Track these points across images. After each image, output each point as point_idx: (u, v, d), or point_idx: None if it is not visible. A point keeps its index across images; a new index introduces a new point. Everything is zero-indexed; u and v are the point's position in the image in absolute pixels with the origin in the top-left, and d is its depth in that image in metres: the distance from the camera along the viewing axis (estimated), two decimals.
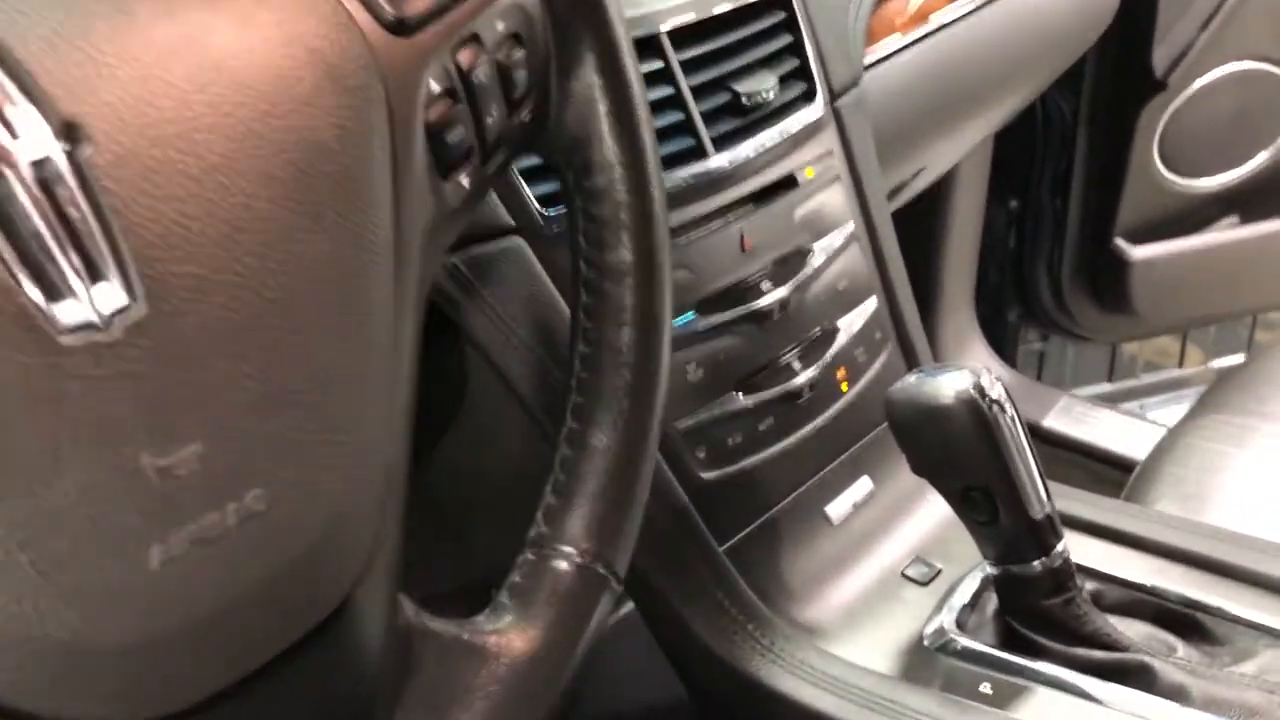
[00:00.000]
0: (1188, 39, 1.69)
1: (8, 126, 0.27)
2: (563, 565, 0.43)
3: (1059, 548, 0.70)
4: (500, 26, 0.41)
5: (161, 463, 0.29)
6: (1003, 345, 1.99)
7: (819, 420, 0.81)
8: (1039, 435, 1.76)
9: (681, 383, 0.73)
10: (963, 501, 0.70)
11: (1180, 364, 2.15)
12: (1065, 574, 0.70)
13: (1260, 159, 1.84)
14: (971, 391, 0.67)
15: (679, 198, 0.74)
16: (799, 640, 0.72)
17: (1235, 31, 1.70)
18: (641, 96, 0.47)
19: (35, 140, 0.28)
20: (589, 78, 0.45)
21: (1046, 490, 0.70)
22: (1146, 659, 0.68)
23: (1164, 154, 1.79)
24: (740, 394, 0.76)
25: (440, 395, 0.71)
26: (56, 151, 0.28)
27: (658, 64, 0.75)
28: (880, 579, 0.79)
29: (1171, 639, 0.72)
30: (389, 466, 0.36)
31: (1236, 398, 1.14)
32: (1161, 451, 1.08)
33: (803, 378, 0.79)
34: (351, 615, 0.34)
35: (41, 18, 0.29)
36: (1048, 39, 1.33)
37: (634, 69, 0.47)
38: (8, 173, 0.27)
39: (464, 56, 0.39)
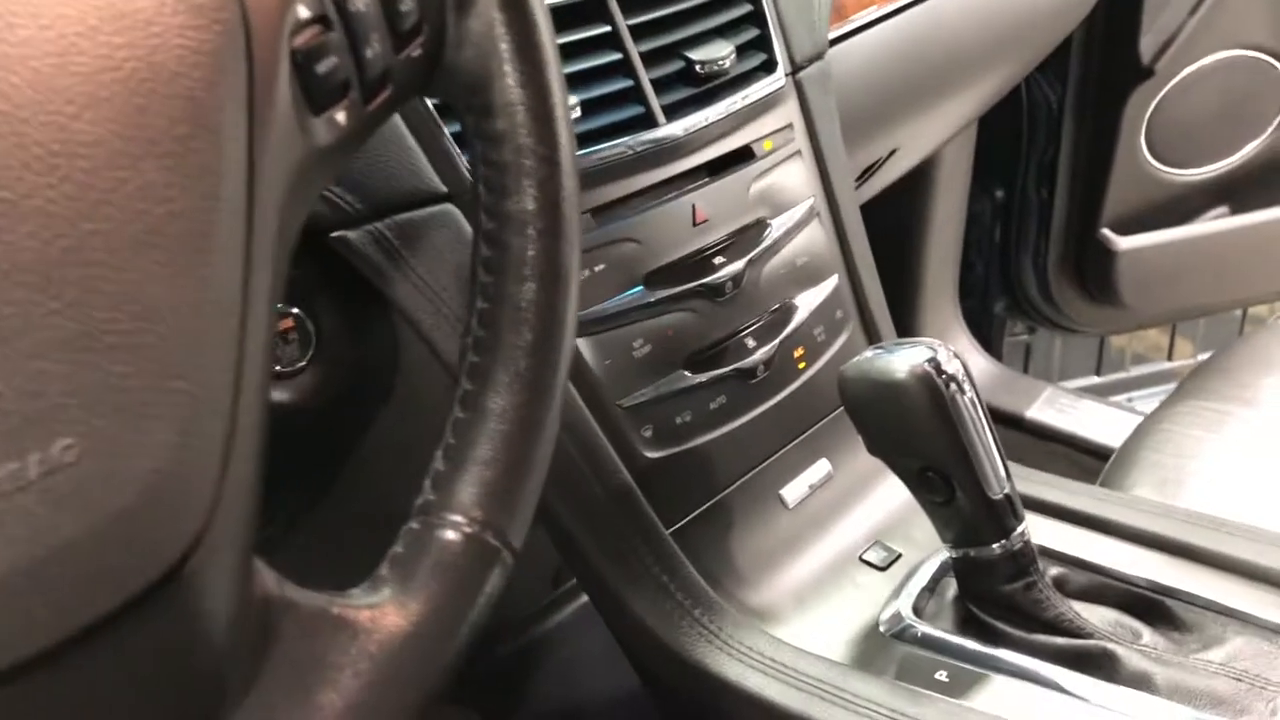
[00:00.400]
0: (1176, 25, 1.66)
1: None
2: (449, 535, 0.40)
3: (1019, 530, 0.67)
4: None
5: None
6: (989, 337, 1.96)
7: (774, 400, 0.78)
8: (1022, 426, 1.74)
9: (627, 359, 0.70)
10: (919, 482, 0.68)
11: (1169, 357, 2.12)
12: (1026, 557, 0.67)
13: (1250, 148, 1.81)
14: (927, 367, 0.64)
15: (627, 167, 0.72)
16: (747, 626, 0.69)
17: (1225, 18, 1.67)
18: (548, 35, 0.44)
19: None
20: (489, 13, 0.42)
21: (1006, 470, 0.67)
22: (1110, 646, 0.65)
23: (1151, 143, 1.76)
24: (689, 371, 0.73)
25: (373, 367, 0.68)
26: None
27: (604, 28, 0.72)
28: (836, 563, 0.76)
29: (1138, 625, 0.69)
30: (235, 425, 0.32)
31: (1215, 383, 1.11)
32: (1139, 437, 1.05)
33: (757, 355, 0.76)
34: (186, 583, 0.31)
35: None
36: (1027, 18, 1.30)
37: (540, 6, 0.44)
38: None
39: None
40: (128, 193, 0.29)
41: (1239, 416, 1.05)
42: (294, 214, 0.36)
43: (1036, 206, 1.85)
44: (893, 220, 1.73)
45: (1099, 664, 0.65)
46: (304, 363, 0.62)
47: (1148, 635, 0.68)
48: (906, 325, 1.79)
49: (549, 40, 0.44)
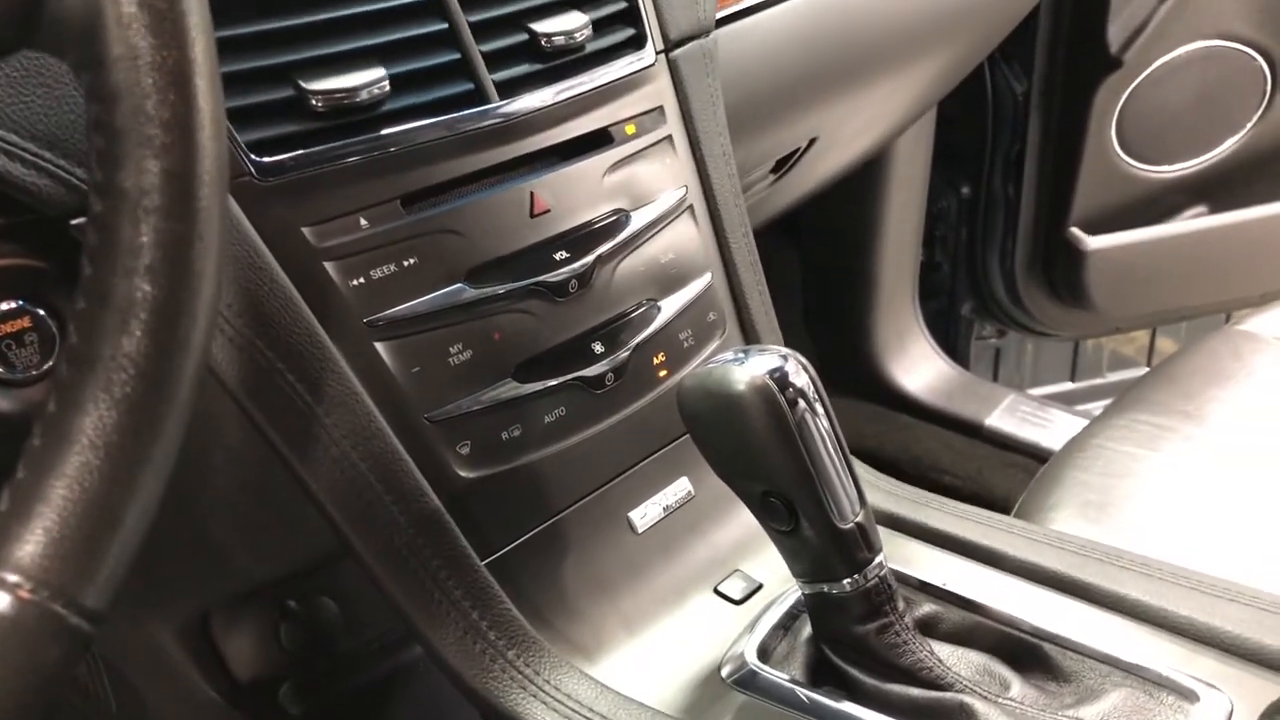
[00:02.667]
0: (1145, 13, 1.57)
1: None
2: None
3: (873, 563, 0.59)
4: None
5: None
6: (954, 343, 1.88)
7: (626, 411, 0.70)
8: (981, 434, 1.65)
9: (441, 366, 0.62)
10: (761, 508, 0.60)
11: (1149, 362, 2.03)
12: (880, 596, 0.59)
13: (1229, 144, 1.72)
14: (768, 380, 0.56)
15: (445, 149, 0.64)
16: (567, 670, 0.61)
17: (1198, 6, 1.58)
18: None
19: None
20: None
21: (860, 496, 0.59)
22: (969, 700, 0.57)
23: (1122, 138, 1.67)
24: (519, 381, 0.65)
25: None
26: None
27: None
28: (686, 595, 0.68)
29: (1008, 674, 0.61)
30: None
31: (1159, 394, 1.03)
32: (1068, 453, 0.97)
33: (604, 364, 0.68)
34: None
35: None
36: (959, 4, 1.21)
37: None
38: None
39: None
40: None
41: (1180, 433, 0.96)
42: None
43: (1003, 204, 1.76)
44: (846, 217, 1.65)
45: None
46: (40, 370, 0.54)
47: (1017, 686, 0.60)
48: (861, 327, 1.71)
49: None
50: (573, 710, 0.59)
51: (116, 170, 0.34)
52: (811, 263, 1.74)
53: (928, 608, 0.65)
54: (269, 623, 0.81)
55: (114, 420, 0.34)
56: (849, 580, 0.59)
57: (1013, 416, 1.65)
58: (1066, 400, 1.95)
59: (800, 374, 0.57)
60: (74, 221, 0.53)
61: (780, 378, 0.56)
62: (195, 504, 0.65)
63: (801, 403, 0.56)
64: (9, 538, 0.33)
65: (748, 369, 0.57)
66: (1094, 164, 1.68)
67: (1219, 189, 1.77)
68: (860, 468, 0.79)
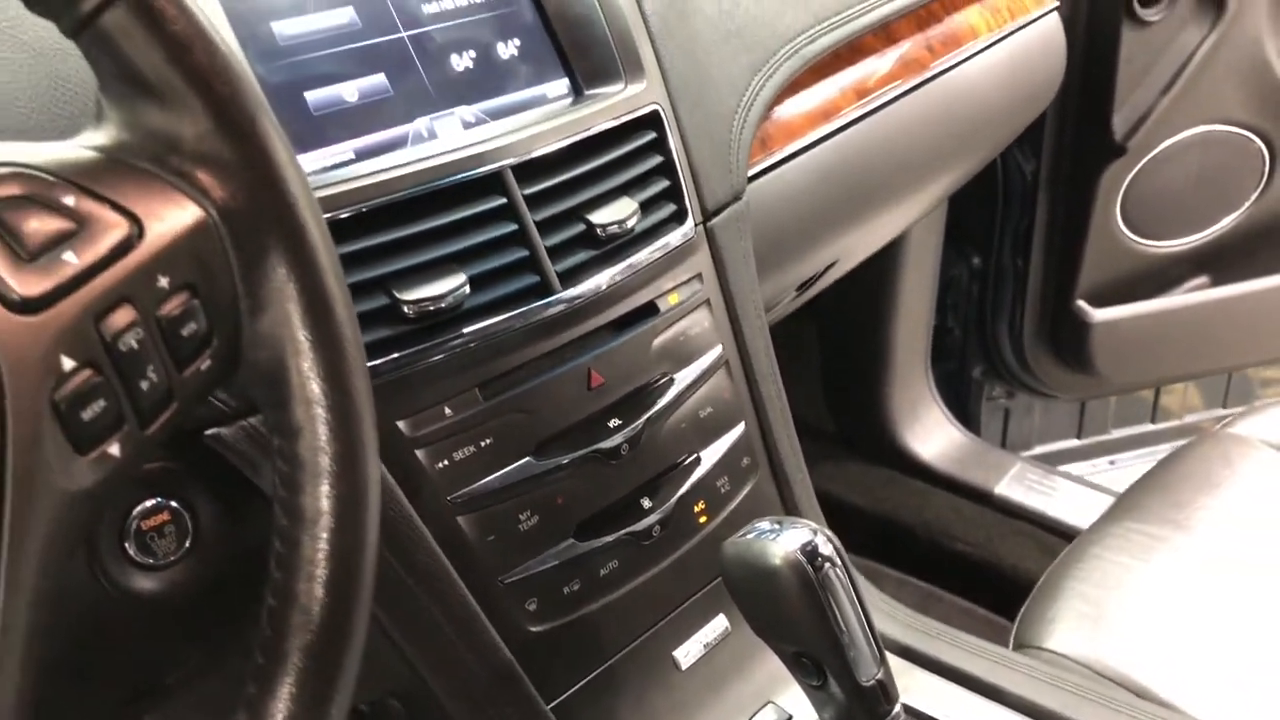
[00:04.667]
0: (1148, 104, 1.66)
1: None
2: None
3: (892, 713, 0.68)
4: (164, 281, 0.39)
5: None
6: (965, 403, 1.97)
7: (670, 559, 0.79)
8: (991, 502, 1.74)
9: (513, 533, 0.71)
10: (794, 665, 0.68)
11: (1152, 419, 2.11)
12: None
13: (1228, 220, 1.80)
14: (799, 555, 0.64)
15: (518, 341, 0.73)
16: None
17: (1198, 95, 1.67)
18: (349, 325, 0.45)
19: None
20: (284, 307, 0.43)
21: (881, 655, 0.67)
22: None
23: (1126, 216, 1.76)
24: (579, 540, 0.74)
25: (255, 551, 0.69)
26: None
27: (499, 200, 0.72)
28: None
29: None
30: None
31: (1152, 500, 1.12)
32: (1069, 561, 1.05)
33: (652, 517, 0.77)
34: None
35: None
36: (985, 115, 1.30)
37: (339, 296, 0.45)
38: None
39: (114, 321, 0.38)
40: None
41: (1170, 543, 1.05)
42: (59, 551, 0.37)
43: (1012, 275, 1.85)
44: (861, 294, 1.73)
45: None
46: (179, 555, 0.63)
47: None
48: (877, 396, 1.80)
49: (350, 331, 0.45)
50: None
51: (298, 494, 0.43)
52: (829, 336, 1.82)
53: None
54: None
55: (294, 706, 0.43)
56: None
57: (1020, 484, 1.73)
58: (1075, 455, 2.04)
59: (827, 545, 0.66)
60: (208, 432, 0.62)
61: (810, 551, 0.65)
62: None
63: (829, 572, 0.65)
64: None
65: (782, 544, 0.65)
66: (1099, 240, 1.77)
67: (1218, 263, 1.85)
68: (876, 595, 0.88)
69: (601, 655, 0.75)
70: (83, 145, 0.41)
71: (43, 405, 0.35)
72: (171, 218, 0.40)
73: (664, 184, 0.82)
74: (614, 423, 0.76)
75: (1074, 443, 2.06)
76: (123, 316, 0.38)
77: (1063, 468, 1.92)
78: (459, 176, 0.70)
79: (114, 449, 0.38)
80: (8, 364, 0.34)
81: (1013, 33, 1.29)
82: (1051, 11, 1.37)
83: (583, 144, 0.77)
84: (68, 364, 0.36)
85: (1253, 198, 1.80)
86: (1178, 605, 0.98)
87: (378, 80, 0.73)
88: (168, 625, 0.57)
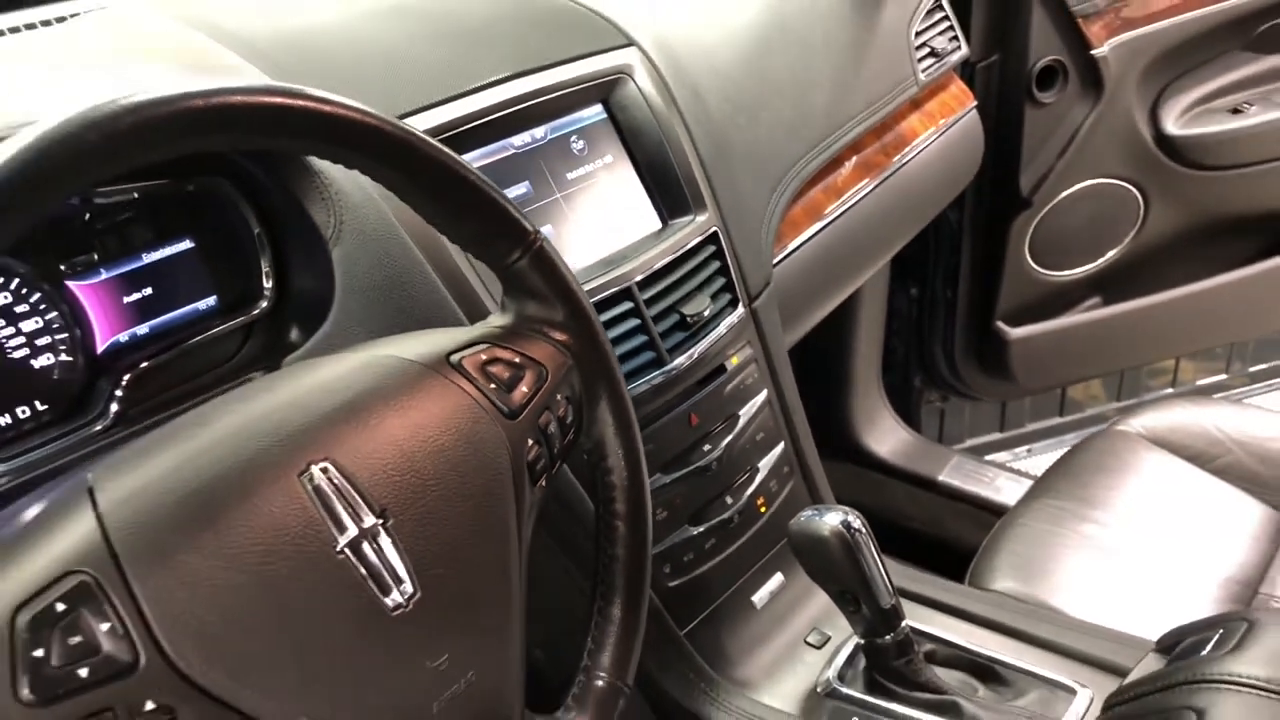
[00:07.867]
0: (1048, 165, 2.05)
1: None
2: (599, 683, 0.79)
3: (902, 626, 1.07)
4: (559, 396, 0.76)
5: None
6: (908, 405, 2.37)
7: (745, 537, 1.18)
8: (936, 488, 2.14)
9: (654, 524, 1.10)
10: (839, 598, 1.07)
11: (1060, 413, 2.54)
12: (907, 644, 1.07)
13: (1113, 253, 2.22)
14: (840, 527, 1.03)
15: (646, 397, 1.10)
16: (734, 691, 1.09)
17: (1086, 156, 2.06)
18: (634, 422, 0.82)
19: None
20: (605, 415, 0.80)
21: (893, 589, 1.07)
22: (958, 699, 1.05)
23: (1034, 253, 2.16)
24: (690, 525, 1.13)
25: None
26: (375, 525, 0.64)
27: (629, 304, 1.10)
28: (789, 645, 1.16)
29: (975, 683, 1.09)
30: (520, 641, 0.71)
31: (1063, 483, 1.52)
32: (1003, 531, 1.46)
33: (731, 510, 1.16)
34: None
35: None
36: (929, 190, 1.70)
37: (628, 400, 0.82)
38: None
39: (543, 419, 0.75)
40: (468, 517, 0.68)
41: (1076, 514, 1.46)
42: (527, 539, 0.74)
43: (944, 303, 2.24)
44: (826, 324, 2.12)
45: (949, 712, 1.05)
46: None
47: (982, 690, 1.09)
48: (839, 403, 2.18)
49: (635, 424, 0.82)
50: (739, 713, 1.07)
51: (611, 504, 0.81)
52: (800, 359, 2.21)
53: (929, 646, 1.14)
54: None
55: (623, 610, 0.80)
56: (889, 636, 1.07)
57: (959, 473, 2.13)
58: (997, 446, 2.47)
59: (857, 520, 1.05)
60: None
61: (847, 524, 1.04)
62: None
63: (859, 537, 1.04)
64: (597, 659, 0.79)
65: (828, 520, 1.04)
66: (1013, 272, 2.16)
67: (1108, 286, 2.27)
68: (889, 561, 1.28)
69: (710, 599, 1.14)
70: (494, 324, 0.79)
71: (524, 463, 0.73)
72: (554, 363, 0.78)
73: (722, 281, 1.20)
74: (706, 448, 1.15)
75: (997, 435, 2.46)
76: (548, 415, 0.75)
77: (990, 456, 2.34)
78: (608, 292, 1.08)
79: (543, 482, 0.76)
80: (509, 444, 0.72)
81: (945, 130, 1.70)
82: (971, 110, 1.78)
83: (675, 261, 1.15)
84: (530, 441, 0.74)
85: (1131, 234, 2.20)
86: (1081, 557, 1.39)
87: (547, 229, 1.10)
88: None
